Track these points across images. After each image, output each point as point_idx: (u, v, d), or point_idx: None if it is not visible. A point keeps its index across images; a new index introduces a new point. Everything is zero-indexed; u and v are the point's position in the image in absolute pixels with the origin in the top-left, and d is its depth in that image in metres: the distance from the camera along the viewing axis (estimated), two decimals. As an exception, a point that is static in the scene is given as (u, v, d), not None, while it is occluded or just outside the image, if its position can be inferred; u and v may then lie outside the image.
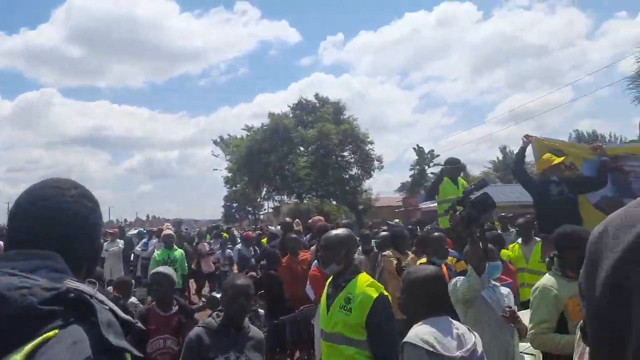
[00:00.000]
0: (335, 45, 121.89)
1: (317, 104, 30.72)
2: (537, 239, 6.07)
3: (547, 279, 3.10)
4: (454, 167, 6.80)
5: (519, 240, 6.41)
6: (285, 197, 32.05)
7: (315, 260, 5.17)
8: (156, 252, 8.77)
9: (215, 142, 36.99)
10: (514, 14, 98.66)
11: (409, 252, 5.90)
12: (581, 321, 1.52)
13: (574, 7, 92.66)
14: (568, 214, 5.13)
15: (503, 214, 10.32)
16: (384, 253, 6.11)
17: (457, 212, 3.38)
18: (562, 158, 5.45)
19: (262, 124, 29.49)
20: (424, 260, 5.00)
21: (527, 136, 5.78)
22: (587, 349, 2.28)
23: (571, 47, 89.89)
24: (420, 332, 2.26)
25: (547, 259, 3.20)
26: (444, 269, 4.54)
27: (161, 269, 4.16)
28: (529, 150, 5.78)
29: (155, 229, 13.69)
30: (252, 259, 10.03)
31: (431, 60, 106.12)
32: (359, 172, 29.19)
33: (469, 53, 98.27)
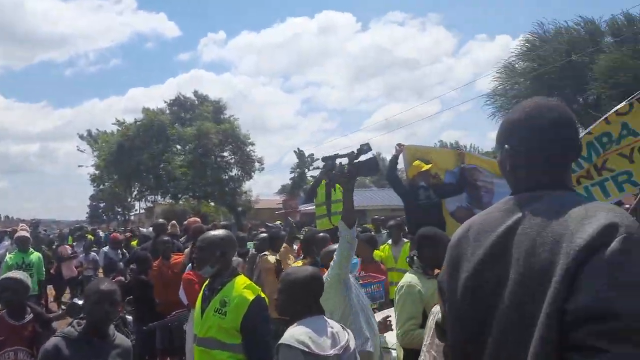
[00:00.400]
0: (216, 42, 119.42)
1: (196, 102, 29.86)
2: (406, 240, 6.49)
3: (411, 277, 3.26)
4: (328, 171, 6.98)
5: (389, 241, 6.79)
6: (159, 198, 30.65)
7: (190, 264, 5.00)
8: (8, 256, 8.09)
9: (81, 137, 34.40)
10: (389, 28, 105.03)
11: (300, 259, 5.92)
12: (439, 316, 1.59)
13: (442, 26, 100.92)
14: (434, 217, 5.62)
15: (376, 216, 10.84)
16: (262, 254, 6.10)
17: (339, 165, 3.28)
18: (429, 165, 5.90)
19: (135, 119, 27.93)
20: (300, 262, 5.05)
21: (399, 145, 6.16)
22: (436, 340, 2.45)
23: (438, 63, 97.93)
24: (296, 333, 2.27)
25: (408, 258, 3.39)
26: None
27: (12, 273, 3.80)
28: (401, 157, 6.16)
29: (9, 229, 12.39)
30: (121, 263, 9.42)
31: (312, 65, 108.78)
32: (239, 173, 28.87)
33: (348, 62, 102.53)
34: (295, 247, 6.46)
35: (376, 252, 6.23)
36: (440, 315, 1.56)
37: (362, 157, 3.22)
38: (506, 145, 1.38)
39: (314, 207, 7.21)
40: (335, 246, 3.51)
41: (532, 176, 1.33)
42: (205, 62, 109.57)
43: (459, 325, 1.36)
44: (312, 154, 36.96)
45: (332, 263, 3.15)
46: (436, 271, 2.93)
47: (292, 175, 35.71)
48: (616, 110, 4.34)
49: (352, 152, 3.21)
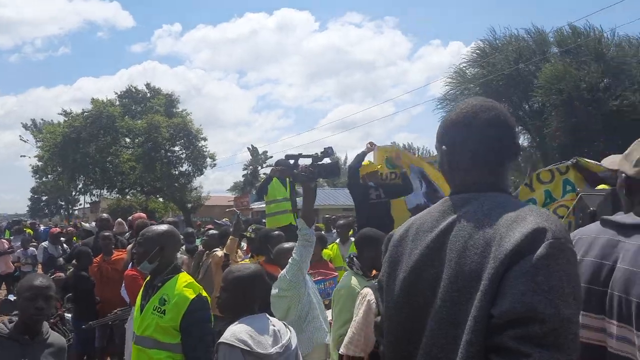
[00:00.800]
0: (171, 34, 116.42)
1: (148, 94, 29.07)
2: (353, 239, 6.54)
3: (350, 279, 3.24)
4: (283, 169, 6.96)
5: (337, 240, 6.84)
6: (105, 192, 29.64)
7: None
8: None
9: (25, 126, 32.86)
10: (346, 29, 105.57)
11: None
12: (378, 318, 1.57)
13: (398, 30, 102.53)
14: (382, 215, 5.77)
15: (327, 215, 10.89)
16: (212, 251, 5.99)
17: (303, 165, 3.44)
18: (379, 166, 6.04)
19: (83, 110, 26.91)
20: (248, 260, 5.00)
21: (370, 143, 6.30)
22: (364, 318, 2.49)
23: (394, 66, 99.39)
24: (237, 331, 2.23)
25: (348, 259, 3.41)
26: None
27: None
28: (371, 155, 6.32)
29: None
30: (61, 259, 9.03)
31: (269, 62, 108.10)
32: (190, 169, 28.31)
33: (305, 60, 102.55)
34: (244, 243, 6.39)
35: (325, 251, 6.25)
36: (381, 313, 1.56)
37: (325, 160, 3.36)
38: (443, 146, 1.39)
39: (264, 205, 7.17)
40: (288, 244, 3.59)
41: (468, 177, 1.34)
42: (159, 54, 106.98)
43: (395, 325, 1.37)
44: (266, 152, 36.89)
45: (290, 260, 3.18)
46: (374, 272, 2.95)
47: (245, 172, 35.46)
48: (539, 179, 4.56)
49: (317, 153, 3.34)
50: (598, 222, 1.60)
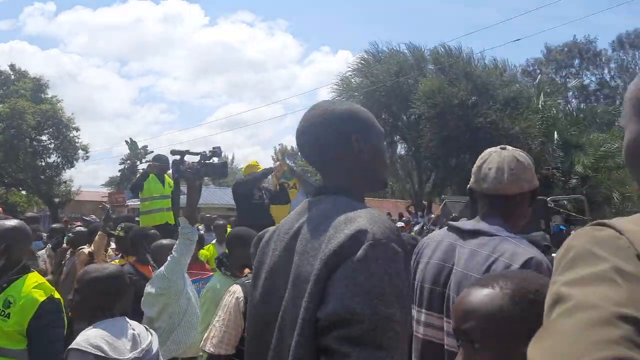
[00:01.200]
0: (44, 14, 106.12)
1: (12, 76, 26.31)
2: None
3: (217, 280, 3.21)
4: (161, 165, 6.69)
5: (214, 241, 6.74)
6: (-45, 183, 26.27)
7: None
8: None
9: None
10: (237, 27, 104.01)
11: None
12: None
13: (289, 33, 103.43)
14: (262, 216, 5.84)
15: (208, 215, 10.64)
16: (79, 249, 5.56)
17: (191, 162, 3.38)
18: (262, 168, 6.25)
19: None
20: (118, 261, 4.72)
21: (281, 153, 6.54)
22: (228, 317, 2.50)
23: (284, 69, 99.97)
24: (91, 336, 2.08)
25: (217, 260, 3.38)
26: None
27: None
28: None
29: None
30: None
31: (154, 54, 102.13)
32: (59, 161, 26.07)
33: (193, 55, 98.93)
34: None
35: (202, 251, 6.13)
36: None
37: (214, 160, 3.35)
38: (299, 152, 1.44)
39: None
40: (167, 241, 3.58)
41: (323, 179, 1.39)
42: (29, 34, 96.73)
43: (254, 325, 1.38)
44: (146, 146, 35.11)
45: (169, 258, 3.11)
46: (246, 271, 2.92)
47: (122, 166, 33.53)
48: None
49: (205, 152, 3.32)
50: (445, 227, 1.74)
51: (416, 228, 11.16)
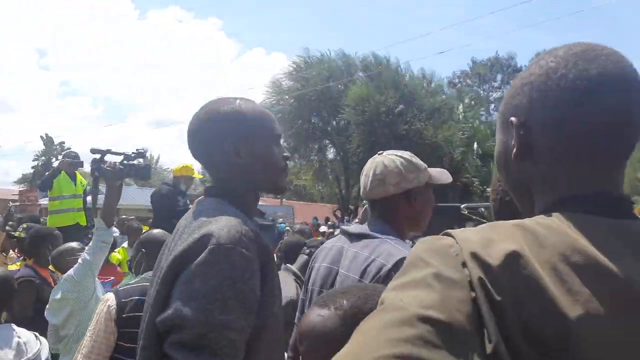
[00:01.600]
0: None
1: None
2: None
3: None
4: (73, 162, 6.35)
5: (125, 244, 6.50)
6: None
7: None
8: None
9: None
10: (168, 23, 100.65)
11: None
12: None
13: (223, 32, 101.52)
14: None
15: (124, 216, 10.20)
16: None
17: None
18: (200, 175, 6.12)
19: None
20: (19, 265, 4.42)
21: None
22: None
23: (215, 68, 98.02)
24: (-34, 347, 1.91)
25: (129, 261, 3.28)
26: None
27: None
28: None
29: None
30: None
31: (77, 45, 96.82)
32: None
33: (119, 49, 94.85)
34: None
35: (113, 255, 5.85)
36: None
37: (138, 161, 3.26)
38: None
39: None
40: (72, 243, 3.45)
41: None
42: None
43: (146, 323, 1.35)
44: (63, 142, 33.27)
45: (80, 260, 2.93)
46: None
47: (36, 163, 31.72)
48: None
49: (130, 152, 3.23)
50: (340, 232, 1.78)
51: (336, 232, 11.34)
